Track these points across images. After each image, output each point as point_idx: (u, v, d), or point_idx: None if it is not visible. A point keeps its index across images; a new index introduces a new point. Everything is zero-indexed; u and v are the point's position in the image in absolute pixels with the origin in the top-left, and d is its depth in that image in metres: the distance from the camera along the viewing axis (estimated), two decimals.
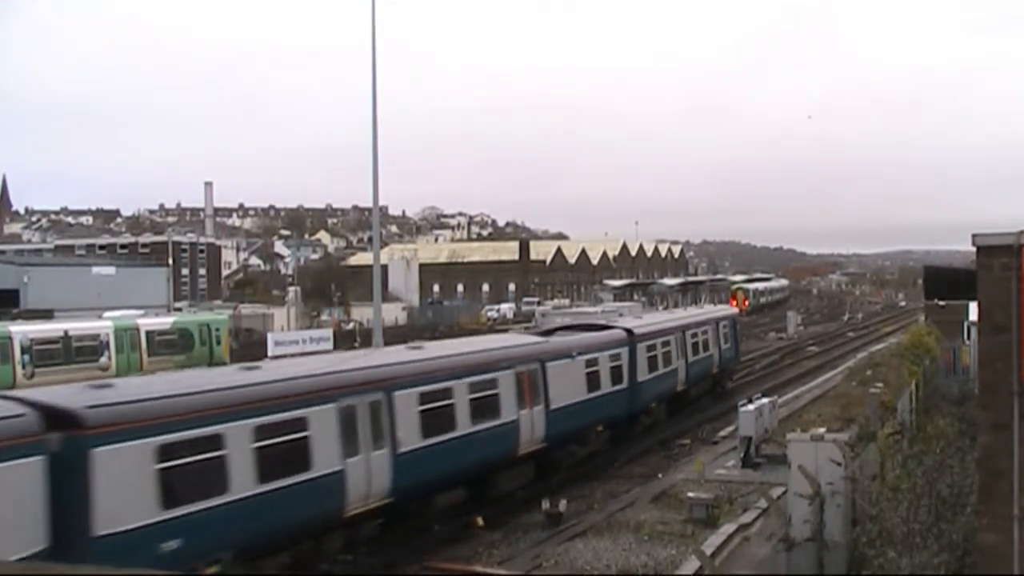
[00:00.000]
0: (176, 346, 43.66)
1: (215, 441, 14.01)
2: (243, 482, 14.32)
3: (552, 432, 22.91)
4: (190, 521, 13.39)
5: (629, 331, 28.83)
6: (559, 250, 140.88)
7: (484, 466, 20.67)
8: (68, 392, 14.45)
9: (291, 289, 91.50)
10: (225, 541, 14.11)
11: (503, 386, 21.13)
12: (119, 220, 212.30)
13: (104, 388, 14.40)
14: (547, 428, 22.69)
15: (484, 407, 20.33)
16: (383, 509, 17.52)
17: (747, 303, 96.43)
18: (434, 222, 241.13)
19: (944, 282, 41.81)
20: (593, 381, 25.48)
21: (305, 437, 15.63)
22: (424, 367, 19.45)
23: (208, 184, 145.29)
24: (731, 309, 50.04)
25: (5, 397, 13.54)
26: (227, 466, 14.11)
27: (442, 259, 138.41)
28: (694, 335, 34.01)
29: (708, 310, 45.26)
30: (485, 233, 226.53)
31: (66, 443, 12.15)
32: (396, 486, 17.46)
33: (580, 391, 24.69)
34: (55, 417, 12.33)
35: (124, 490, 12.64)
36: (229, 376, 16.75)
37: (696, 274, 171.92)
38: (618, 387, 26.90)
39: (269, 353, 50.16)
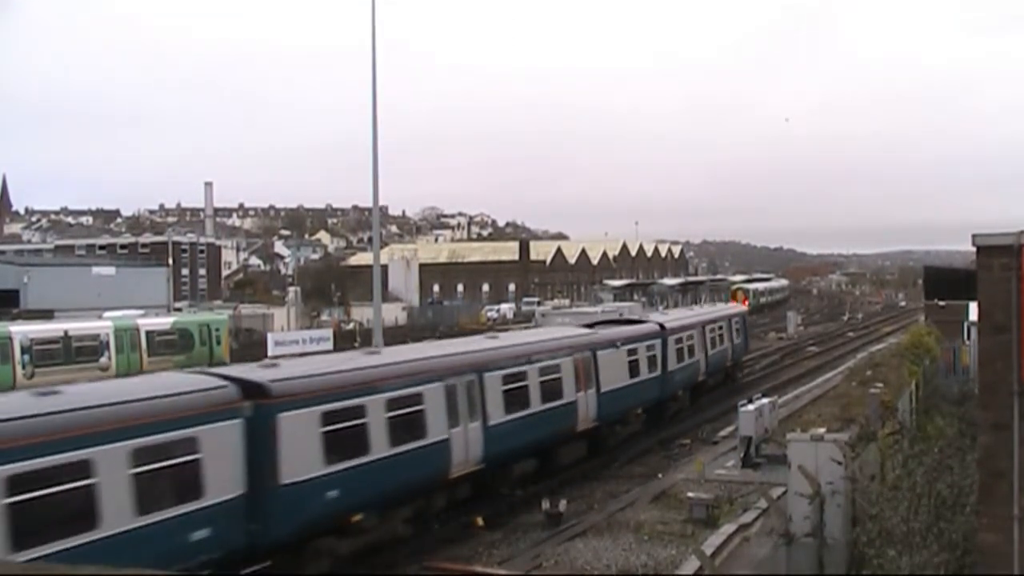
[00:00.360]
0: (176, 346, 43.65)
1: (360, 411, 16.71)
2: (379, 445, 16.99)
3: (603, 413, 25.68)
4: (344, 476, 16.04)
5: (662, 325, 31.87)
6: (559, 250, 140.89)
7: (551, 440, 23.45)
8: (251, 369, 17.39)
9: (291, 289, 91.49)
10: (368, 495, 16.74)
11: (564, 371, 23.98)
12: (119, 220, 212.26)
13: (273, 367, 17.43)
14: (598, 409, 25.43)
15: (550, 389, 23.15)
16: (475, 474, 20.12)
17: (747, 303, 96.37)
18: (434, 222, 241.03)
19: (944, 282, 41.78)
20: (634, 368, 28.23)
21: (421, 410, 18.33)
22: (506, 353, 22.42)
23: (208, 184, 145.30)
24: (741, 307, 52.56)
25: (207, 373, 16.39)
26: (368, 431, 16.83)
27: (442, 259, 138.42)
28: (712, 330, 36.86)
29: (721, 307, 48.49)
30: (485, 233, 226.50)
31: (257, 409, 14.78)
32: (486, 454, 20.22)
33: (624, 377, 27.44)
34: (248, 389, 14.97)
35: (299, 448, 15.29)
36: (363, 358, 19.54)
37: (696, 274, 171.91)
38: (653, 374, 29.74)
39: (269, 353, 50.16)
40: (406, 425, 17.74)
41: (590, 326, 30.09)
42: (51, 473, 11.77)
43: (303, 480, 15.20)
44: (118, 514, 12.44)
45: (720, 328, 38.10)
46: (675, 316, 37.27)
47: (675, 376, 31.67)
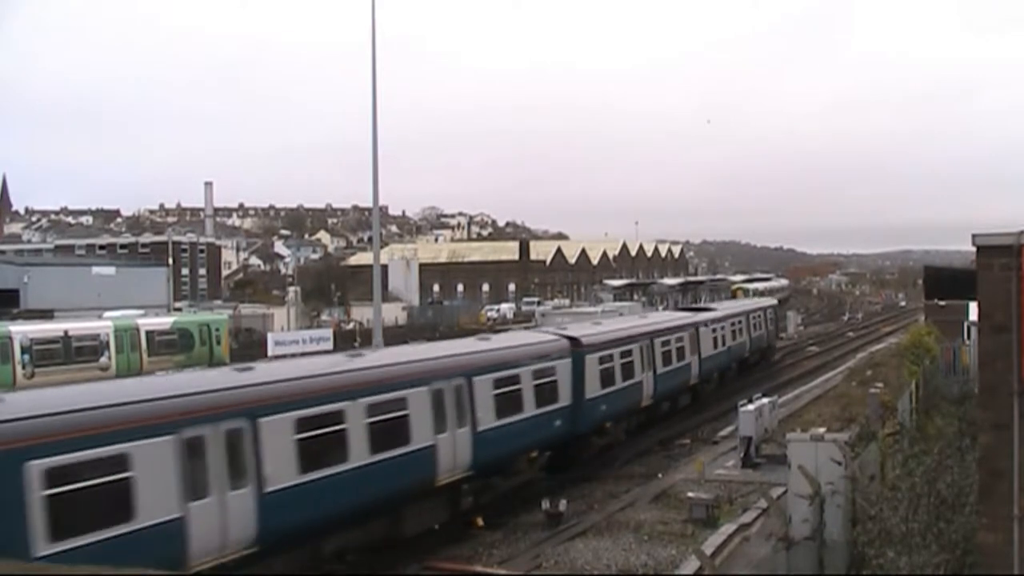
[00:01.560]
0: (176, 346, 43.59)
1: (612, 358, 26.73)
2: (618, 380, 26.90)
3: (702, 373, 35.36)
4: (606, 397, 26.03)
5: (726, 313, 41.20)
6: (559, 250, 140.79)
7: (677, 390, 33.44)
8: (566, 328, 28.16)
9: (291, 289, 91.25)
10: (613, 411, 26.72)
11: (685, 341, 33.55)
12: (119, 220, 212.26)
13: (568, 328, 27.75)
14: (700, 370, 34.98)
15: (679, 353, 32.68)
16: (648, 407, 29.98)
17: None
18: (434, 222, 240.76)
19: (944, 282, 41.74)
20: (715, 343, 37.60)
21: (631, 360, 28.15)
22: (661, 327, 32.39)
23: (208, 184, 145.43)
24: (773, 300, 60.11)
25: (547, 332, 26.76)
26: (614, 371, 26.72)
27: (442, 259, 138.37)
28: (753, 318, 45.53)
29: (758, 301, 57.51)
30: (485, 233, 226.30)
31: (575, 354, 24.54)
32: (655, 393, 30.07)
33: (711, 349, 36.76)
34: (572, 341, 24.79)
35: (592, 378, 25.24)
36: (599, 326, 29.43)
37: (696, 274, 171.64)
38: (723, 348, 38.91)
39: (269, 353, 50.13)
40: (626, 368, 27.50)
41: (685, 311, 41.30)
42: (504, 380, 20.87)
43: (594, 397, 25.18)
44: (528, 406, 21.72)
45: (759, 316, 46.83)
46: (728, 305, 47.16)
47: (733, 350, 40.75)
